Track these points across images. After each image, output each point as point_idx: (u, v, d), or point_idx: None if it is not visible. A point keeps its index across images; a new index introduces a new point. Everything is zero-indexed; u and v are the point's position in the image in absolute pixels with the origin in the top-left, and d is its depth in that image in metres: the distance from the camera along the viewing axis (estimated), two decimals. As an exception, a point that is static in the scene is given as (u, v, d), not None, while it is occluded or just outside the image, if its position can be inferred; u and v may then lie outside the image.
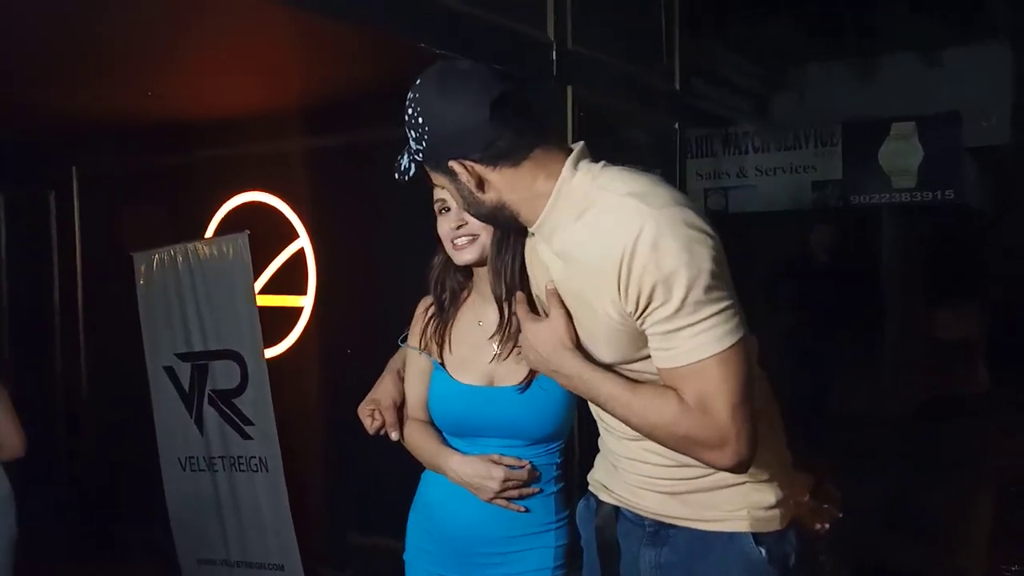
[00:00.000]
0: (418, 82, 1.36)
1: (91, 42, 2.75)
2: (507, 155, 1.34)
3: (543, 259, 1.44)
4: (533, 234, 1.45)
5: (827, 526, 1.59)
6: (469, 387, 1.66)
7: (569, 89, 3.29)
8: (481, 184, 1.37)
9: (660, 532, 1.46)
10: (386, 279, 3.75)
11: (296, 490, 3.74)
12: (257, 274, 3.92)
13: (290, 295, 4.01)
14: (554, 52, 3.21)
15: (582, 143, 1.40)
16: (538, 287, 1.51)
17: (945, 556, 4.00)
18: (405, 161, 1.45)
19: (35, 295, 4.85)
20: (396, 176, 1.47)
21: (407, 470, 3.78)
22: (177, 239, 4.04)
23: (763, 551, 1.40)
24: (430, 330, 1.75)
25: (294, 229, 3.97)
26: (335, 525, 3.92)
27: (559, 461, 1.69)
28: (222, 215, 4.16)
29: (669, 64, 4.29)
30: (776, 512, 1.43)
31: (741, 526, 1.41)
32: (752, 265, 7.67)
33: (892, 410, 5.36)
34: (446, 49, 2.78)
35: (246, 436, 3.76)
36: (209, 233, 4.16)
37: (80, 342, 4.79)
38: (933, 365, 5.45)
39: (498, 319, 1.64)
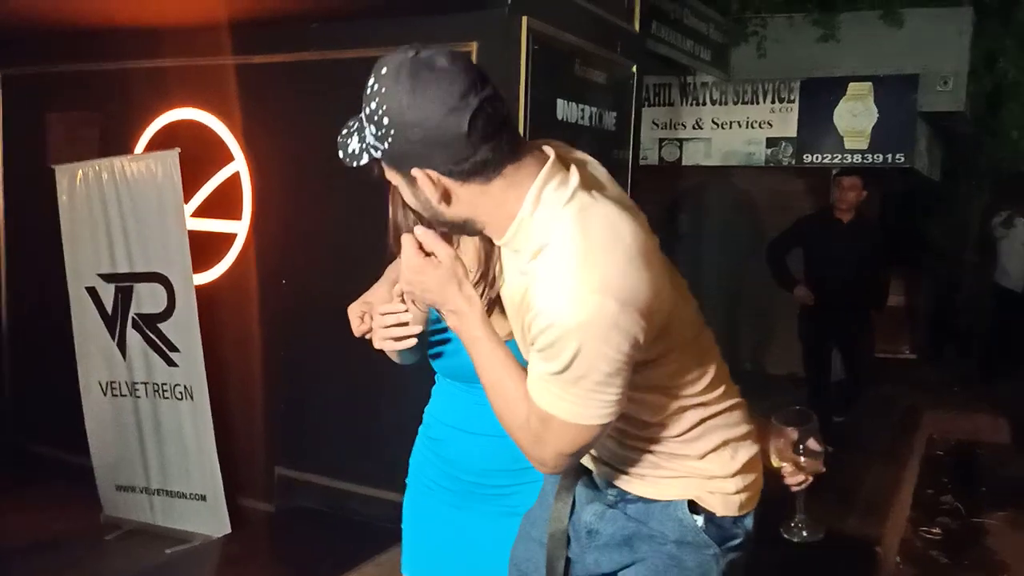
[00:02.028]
0: (383, 71, 1.18)
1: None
2: (479, 172, 1.21)
3: (505, 263, 1.41)
4: None
5: (808, 481, 1.57)
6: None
7: (524, 20, 3.16)
8: (447, 197, 1.24)
9: (618, 504, 1.49)
10: (324, 207, 3.62)
11: (221, 420, 3.65)
12: (189, 196, 3.76)
13: (224, 219, 3.85)
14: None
15: (552, 158, 1.27)
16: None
17: (868, 519, 4.11)
18: (356, 146, 1.26)
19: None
20: (341, 156, 1.28)
21: (337, 404, 3.72)
22: (104, 153, 3.85)
23: (699, 519, 1.42)
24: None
25: (230, 151, 3.80)
26: (260, 457, 3.85)
27: None
28: (153, 131, 3.95)
29: (630, 4, 4.17)
30: (736, 498, 1.44)
31: (683, 496, 1.44)
32: (701, 219, 7.69)
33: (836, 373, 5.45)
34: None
35: (171, 363, 3.64)
36: (139, 149, 3.96)
37: (0, 256, 4.57)
38: (876, 329, 5.55)
39: (478, 268, 1.60)
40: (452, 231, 1.36)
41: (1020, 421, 6.01)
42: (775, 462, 1.56)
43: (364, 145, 1.25)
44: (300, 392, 3.77)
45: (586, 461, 1.54)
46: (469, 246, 1.63)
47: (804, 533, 1.60)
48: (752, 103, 6.41)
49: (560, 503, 1.54)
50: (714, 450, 1.43)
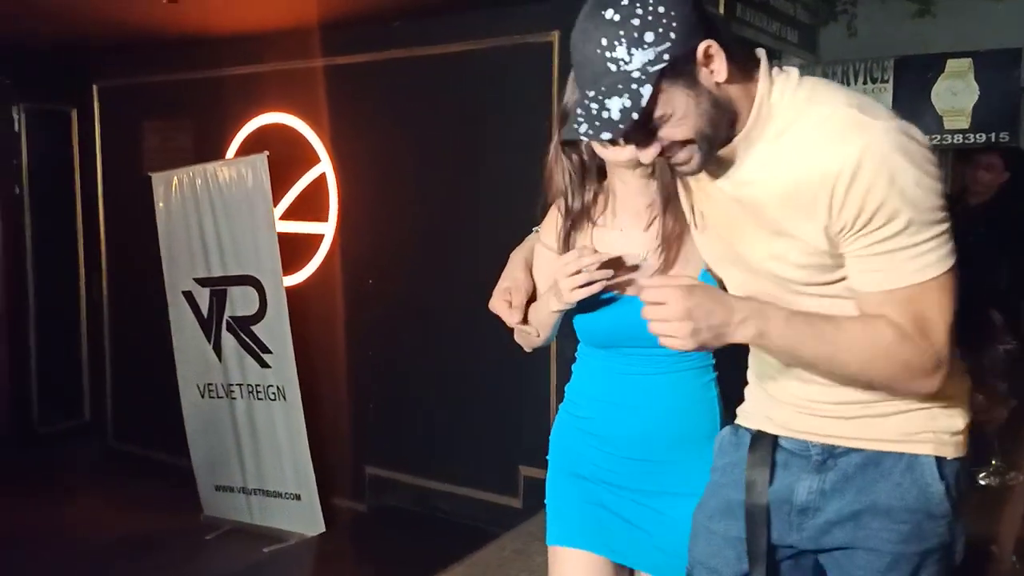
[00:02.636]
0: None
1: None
2: (736, 47, 1.19)
3: (717, 182, 1.30)
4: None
5: (1003, 416, 1.47)
6: (618, 297, 1.56)
7: None
8: (729, 74, 1.17)
9: (828, 461, 1.32)
10: (409, 208, 3.62)
11: (314, 420, 3.68)
12: (278, 198, 3.81)
13: (311, 221, 3.89)
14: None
15: (763, 50, 1.24)
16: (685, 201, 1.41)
17: (982, 514, 3.88)
18: (623, 103, 1.12)
19: (57, 213, 4.78)
20: (594, 133, 1.14)
21: (425, 404, 3.71)
22: (197, 159, 3.93)
23: (945, 483, 1.28)
24: (571, 235, 1.60)
25: (316, 153, 3.83)
26: (353, 457, 3.88)
27: (712, 362, 1.62)
28: (243, 136, 4.02)
29: (716, -12, 4.03)
30: (961, 438, 1.30)
31: (924, 449, 1.28)
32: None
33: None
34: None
35: (264, 364, 3.70)
36: (230, 154, 4.03)
37: (102, 263, 4.73)
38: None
39: (646, 224, 1.54)
40: (704, 133, 1.19)
41: None
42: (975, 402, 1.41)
43: (637, 85, 1.13)
44: (388, 392, 3.78)
45: (773, 417, 1.38)
46: (627, 213, 1.55)
47: (1006, 476, 1.46)
48: (844, 84, 6.16)
49: (758, 476, 1.35)
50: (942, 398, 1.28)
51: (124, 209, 4.53)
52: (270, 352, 3.66)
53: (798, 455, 1.35)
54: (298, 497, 3.70)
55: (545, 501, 1.69)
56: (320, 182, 3.85)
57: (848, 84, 6.13)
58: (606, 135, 1.13)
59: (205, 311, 3.84)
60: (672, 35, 1.13)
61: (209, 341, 3.86)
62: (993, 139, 5.87)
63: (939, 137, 5.98)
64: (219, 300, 3.77)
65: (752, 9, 5.07)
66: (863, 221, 1.15)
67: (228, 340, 3.79)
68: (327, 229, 3.86)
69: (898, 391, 1.23)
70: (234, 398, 3.82)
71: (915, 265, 1.16)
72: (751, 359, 1.45)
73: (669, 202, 1.49)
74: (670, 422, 1.56)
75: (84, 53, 4.27)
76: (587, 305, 1.56)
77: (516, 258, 1.69)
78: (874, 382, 1.23)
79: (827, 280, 1.24)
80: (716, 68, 1.17)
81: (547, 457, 1.70)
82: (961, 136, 5.95)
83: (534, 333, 1.61)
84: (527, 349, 1.69)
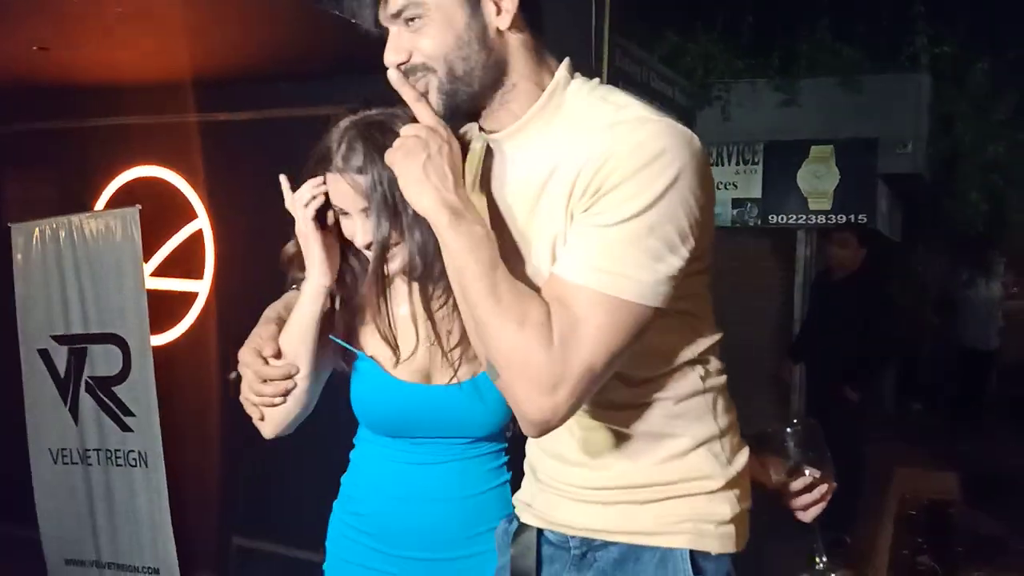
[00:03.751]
0: None
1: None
2: (537, 20, 1.16)
3: (493, 175, 1.24)
4: (483, 139, 1.26)
5: (824, 503, 1.32)
6: (405, 385, 1.46)
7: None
8: (513, 22, 1.12)
9: (587, 554, 1.23)
10: (289, 267, 3.54)
11: (178, 488, 3.49)
12: (150, 254, 3.67)
13: (184, 278, 3.75)
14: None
15: (567, 59, 1.22)
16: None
17: None
18: None
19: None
20: (366, 14, 1.15)
21: (296, 472, 3.58)
22: (63, 211, 3.75)
23: None
24: (346, 315, 1.50)
25: (192, 208, 3.72)
26: (219, 526, 3.68)
27: (504, 456, 1.56)
28: (114, 189, 3.87)
29: (597, 67, 4.20)
30: (729, 529, 1.20)
31: (678, 541, 1.17)
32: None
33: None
34: (365, 21, 2.62)
35: (125, 428, 3.49)
36: (99, 207, 3.86)
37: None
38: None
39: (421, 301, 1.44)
40: (459, 91, 1.14)
41: (990, 478, 6.00)
42: (777, 477, 1.30)
43: None
44: (258, 456, 3.62)
45: (536, 506, 1.29)
46: (407, 286, 1.46)
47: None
48: (717, 165, 6.49)
49: (524, 572, 1.28)
50: (706, 442, 1.19)
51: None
52: (132, 415, 3.47)
53: (560, 548, 1.27)
54: (156, 572, 3.47)
55: None
56: (196, 238, 3.73)
57: (722, 165, 6.47)
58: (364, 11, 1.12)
59: (62, 371, 3.61)
60: None
61: (65, 403, 3.62)
62: (853, 220, 6.30)
63: (804, 217, 6.37)
64: (78, 359, 3.56)
65: (633, 89, 5.31)
66: (598, 195, 1.04)
67: (86, 402, 3.56)
68: (201, 287, 3.73)
69: (510, 392, 1.08)
70: (90, 464, 3.58)
71: (605, 266, 1.02)
72: (527, 444, 1.38)
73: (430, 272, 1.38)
74: (460, 514, 1.47)
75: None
76: (371, 391, 1.47)
77: (267, 314, 1.57)
78: (489, 347, 1.08)
79: None
80: (505, 8, 1.12)
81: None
82: (824, 217, 6.36)
83: (291, 370, 1.42)
84: (275, 425, 1.49)
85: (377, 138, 1.36)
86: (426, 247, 1.35)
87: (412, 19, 1.13)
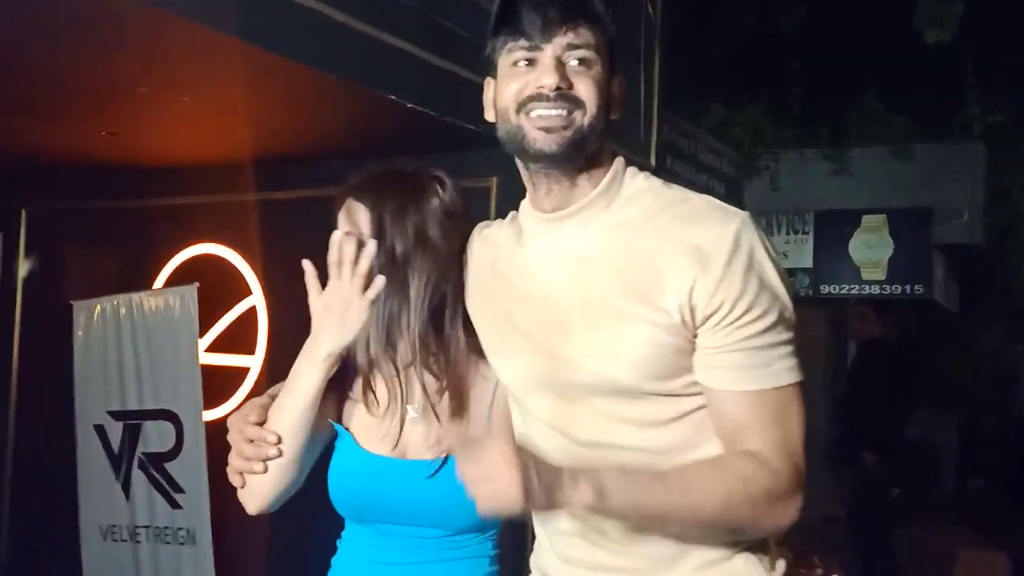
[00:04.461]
0: None
1: (48, 76, 2.59)
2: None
3: (530, 265, 1.23)
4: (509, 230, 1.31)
5: None
6: (377, 458, 1.34)
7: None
8: (614, 98, 1.22)
9: None
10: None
11: (225, 567, 3.45)
12: (205, 330, 3.71)
13: (238, 354, 3.78)
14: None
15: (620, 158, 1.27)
16: (494, 297, 1.28)
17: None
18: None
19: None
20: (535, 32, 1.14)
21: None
22: (123, 288, 3.83)
23: None
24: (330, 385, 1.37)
25: (247, 284, 3.77)
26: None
27: (494, 554, 1.37)
28: (173, 266, 3.94)
29: (646, 141, 4.23)
30: None
31: None
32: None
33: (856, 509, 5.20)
34: (419, 104, 2.66)
35: (175, 504, 3.49)
36: (159, 284, 3.93)
37: (10, 394, 4.48)
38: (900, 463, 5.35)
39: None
40: (598, 113, 1.17)
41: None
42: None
43: (602, 6, 1.19)
44: (305, 534, 3.58)
45: None
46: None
47: None
48: (767, 234, 6.43)
49: None
50: (750, 547, 1.15)
51: (41, 338, 4.34)
52: (182, 492, 3.46)
53: None
54: (202, 652, 3.42)
55: None
56: (250, 314, 3.77)
57: (772, 235, 6.41)
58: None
59: (116, 446, 3.63)
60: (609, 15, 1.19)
61: (118, 479, 3.63)
62: (908, 291, 6.17)
63: (857, 287, 6.26)
64: (132, 435, 3.59)
65: (681, 161, 5.32)
66: (740, 311, 1.07)
67: (138, 478, 3.57)
68: (254, 362, 3.75)
69: (761, 527, 1.10)
70: (139, 541, 3.57)
71: (781, 366, 1.09)
72: (535, 551, 1.29)
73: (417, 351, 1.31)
74: None
75: (14, 177, 4.19)
76: (340, 465, 1.34)
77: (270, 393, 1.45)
78: (736, 520, 1.09)
79: (663, 388, 1.12)
80: (618, 99, 1.21)
81: None
82: (878, 287, 6.23)
83: (273, 439, 1.30)
84: (259, 498, 1.36)
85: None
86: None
87: (583, 60, 1.16)
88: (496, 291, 1.28)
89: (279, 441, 1.30)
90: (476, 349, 1.32)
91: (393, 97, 2.52)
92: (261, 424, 1.33)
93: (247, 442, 1.31)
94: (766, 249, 1.11)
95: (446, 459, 1.30)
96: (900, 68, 6.39)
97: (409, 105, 2.58)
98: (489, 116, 1.25)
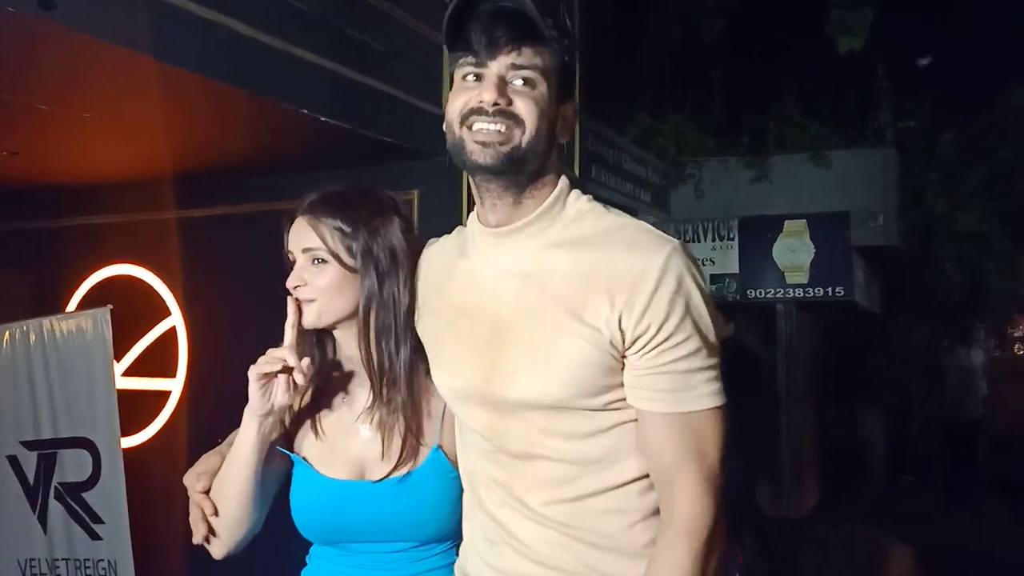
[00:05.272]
0: None
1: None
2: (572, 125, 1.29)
3: (475, 278, 1.26)
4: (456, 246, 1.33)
5: None
6: (337, 483, 1.37)
7: (465, 169, 3.17)
8: (565, 121, 1.26)
9: None
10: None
11: (148, 598, 3.35)
12: (123, 353, 3.60)
13: (158, 377, 3.68)
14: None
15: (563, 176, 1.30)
16: (438, 311, 1.32)
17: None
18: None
19: None
20: (533, 24, 1.16)
21: (269, 574, 3.45)
22: (35, 313, 3.69)
23: None
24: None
25: (166, 306, 3.67)
26: (192, 638, 3.52)
27: (458, 543, 1.41)
28: (86, 288, 3.82)
29: (569, 149, 4.26)
30: None
31: None
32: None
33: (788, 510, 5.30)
34: (334, 117, 2.63)
35: (95, 536, 3.36)
36: (71, 307, 3.81)
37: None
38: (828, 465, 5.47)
39: (368, 394, 1.38)
40: (537, 136, 1.19)
41: (986, 552, 5.88)
42: None
43: (549, 31, 1.19)
44: (233, 563, 3.50)
45: None
46: (355, 378, 1.41)
47: None
48: (694, 241, 6.55)
49: None
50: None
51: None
52: (102, 522, 3.34)
53: None
54: None
55: None
56: (169, 336, 3.67)
57: (698, 241, 6.53)
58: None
59: (31, 477, 3.49)
60: (568, 41, 1.22)
61: (34, 511, 3.49)
62: (831, 293, 6.34)
63: (782, 291, 6.40)
64: (47, 464, 3.45)
65: (606, 171, 5.38)
66: (664, 335, 1.13)
67: (55, 509, 3.44)
68: (175, 385, 3.65)
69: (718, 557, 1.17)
70: (59, 575, 3.43)
71: (703, 391, 1.14)
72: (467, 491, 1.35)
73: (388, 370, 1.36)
74: None
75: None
76: (301, 494, 1.38)
77: (231, 439, 1.49)
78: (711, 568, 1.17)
79: (588, 404, 1.17)
80: (569, 122, 1.25)
81: None
82: (801, 290, 6.39)
83: (209, 510, 1.38)
84: (222, 547, 1.44)
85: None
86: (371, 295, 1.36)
87: (527, 80, 1.19)
88: (441, 304, 1.32)
89: (215, 512, 1.38)
90: (425, 363, 1.36)
91: (305, 111, 2.49)
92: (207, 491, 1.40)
93: (195, 505, 1.38)
94: (694, 278, 1.15)
95: (407, 473, 1.34)
96: (816, 76, 6.58)
97: (323, 119, 2.54)
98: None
